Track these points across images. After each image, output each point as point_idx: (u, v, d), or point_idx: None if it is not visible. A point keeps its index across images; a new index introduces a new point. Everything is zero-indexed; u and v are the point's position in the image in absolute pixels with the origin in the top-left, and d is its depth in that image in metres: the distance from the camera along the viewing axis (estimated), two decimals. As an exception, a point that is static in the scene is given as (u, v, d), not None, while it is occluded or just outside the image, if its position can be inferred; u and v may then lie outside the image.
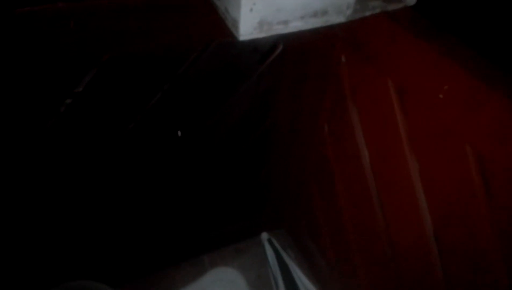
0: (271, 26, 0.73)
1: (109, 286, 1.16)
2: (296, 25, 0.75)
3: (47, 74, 0.84)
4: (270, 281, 1.49)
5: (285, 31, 0.75)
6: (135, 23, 0.82)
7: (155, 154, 1.13)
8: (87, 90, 0.91)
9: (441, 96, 0.75)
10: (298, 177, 1.43)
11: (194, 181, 1.28)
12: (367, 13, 0.83)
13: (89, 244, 1.24)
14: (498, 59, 0.71)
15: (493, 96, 0.67)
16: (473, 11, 0.82)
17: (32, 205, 1.06)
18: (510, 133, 0.65)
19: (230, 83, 1.08)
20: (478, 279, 0.80)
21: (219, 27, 0.78)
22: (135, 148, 1.08)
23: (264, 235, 1.58)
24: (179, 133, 1.09)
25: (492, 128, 0.68)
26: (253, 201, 1.52)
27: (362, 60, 0.99)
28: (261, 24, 0.71)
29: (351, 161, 1.13)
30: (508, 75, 0.69)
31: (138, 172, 1.15)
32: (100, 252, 1.28)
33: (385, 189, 1.04)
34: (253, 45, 1.03)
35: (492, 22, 0.80)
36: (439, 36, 0.79)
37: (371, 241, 1.14)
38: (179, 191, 1.28)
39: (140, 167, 1.14)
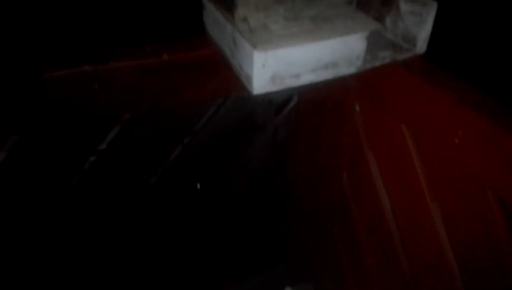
0: (283, 79, 0.75)
1: None
2: (308, 78, 0.78)
3: (72, 133, 0.89)
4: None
5: (297, 84, 0.77)
6: (155, 82, 0.87)
7: (176, 207, 1.14)
8: (110, 148, 0.94)
9: (456, 141, 0.74)
10: (320, 227, 1.41)
11: (213, 233, 1.27)
12: (378, 64, 0.86)
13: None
14: (509, 100, 0.71)
15: (508, 138, 0.66)
16: (482, 55, 0.84)
17: (56, 260, 1.07)
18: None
19: (247, 135, 1.11)
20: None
21: (235, 83, 0.81)
22: (156, 201, 1.10)
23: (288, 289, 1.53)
24: (198, 185, 1.11)
25: (509, 170, 0.66)
26: (275, 254, 1.49)
27: (376, 108, 1.01)
28: (274, 78, 0.74)
29: (372, 209, 1.11)
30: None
31: (159, 225, 1.16)
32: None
33: (408, 237, 1.01)
34: (268, 98, 1.07)
35: (500, 64, 0.81)
36: (450, 81, 0.81)
37: (399, 294, 1.10)
38: (199, 245, 1.28)
39: (161, 220, 1.15)
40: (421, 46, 0.88)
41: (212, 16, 0.84)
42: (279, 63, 0.73)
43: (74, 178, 0.95)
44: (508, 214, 0.71)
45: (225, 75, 0.87)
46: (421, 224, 0.93)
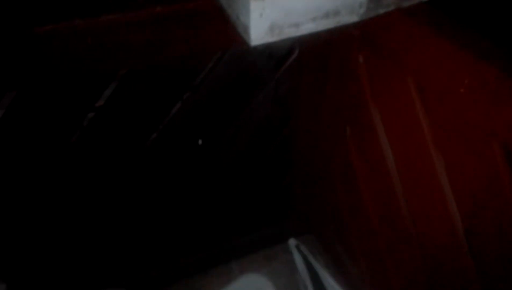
0: (282, 29, 0.72)
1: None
2: (307, 28, 0.74)
3: (70, 90, 0.87)
4: (299, 288, 1.47)
5: (297, 34, 0.74)
6: (149, 36, 0.84)
7: (178, 163, 1.15)
8: (108, 104, 0.93)
9: (462, 90, 0.72)
10: (323, 181, 1.41)
11: (218, 188, 1.29)
12: (381, 11, 0.81)
13: (116, 253, 1.26)
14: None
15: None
16: (491, 1, 0.79)
17: (56, 217, 1.09)
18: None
19: (248, 90, 1.09)
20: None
21: (233, 35, 0.78)
22: (158, 157, 1.10)
23: (292, 241, 1.56)
24: (200, 141, 1.10)
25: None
26: (279, 207, 1.51)
27: (380, 60, 0.97)
28: (272, 28, 0.71)
29: (375, 162, 1.10)
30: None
31: (163, 181, 1.17)
32: (127, 260, 1.30)
33: (411, 188, 1.01)
34: (268, 51, 1.04)
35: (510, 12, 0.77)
36: (457, 29, 0.77)
37: (401, 244, 1.11)
38: (204, 199, 1.29)
39: (164, 176, 1.16)
40: (428, -9, 0.83)
41: (207, -37, 0.80)
42: (277, 12, 0.69)
43: (74, 135, 0.94)
44: (512, 162, 0.70)
45: (223, 27, 0.84)
46: (424, 175, 0.93)
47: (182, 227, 1.33)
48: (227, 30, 0.81)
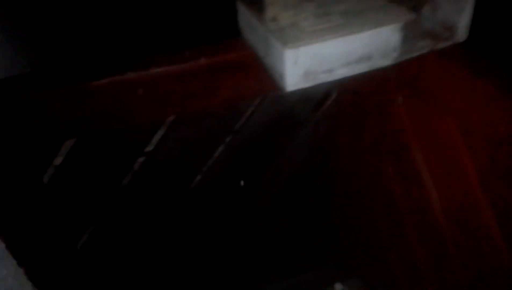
0: (316, 75, 0.76)
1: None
2: (341, 72, 0.77)
3: (122, 137, 0.95)
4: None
5: (331, 79, 0.77)
6: (195, 85, 0.91)
7: (220, 204, 1.18)
8: (157, 149, 1.00)
9: (502, 129, 0.71)
10: (368, 223, 1.39)
11: (260, 230, 1.30)
12: (415, 54, 0.83)
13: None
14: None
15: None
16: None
17: (109, 259, 1.14)
18: None
19: (288, 132, 1.12)
20: None
21: (271, 82, 0.83)
22: (202, 198, 1.14)
23: (338, 286, 1.52)
24: (242, 183, 1.14)
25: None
26: (324, 249, 1.49)
27: (419, 100, 0.98)
28: (307, 74, 0.75)
29: (420, 204, 1.08)
30: None
31: (206, 223, 1.21)
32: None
33: (460, 232, 0.97)
34: (306, 94, 1.07)
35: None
36: (493, 68, 0.77)
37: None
38: (245, 241, 1.31)
39: (207, 218, 1.20)
40: (462, 33, 0.84)
41: (246, 18, 0.87)
42: (311, 59, 0.73)
43: (125, 178, 1.01)
44: None
45: (262, 75, 0.89)
46: (472, 221, 0.90)
47: (224, 270, 1.35)
48: (266, 78, 0.85)
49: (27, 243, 0.96)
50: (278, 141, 1.13)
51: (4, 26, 0.90)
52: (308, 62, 0.73)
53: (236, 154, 1.10)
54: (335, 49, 0.74)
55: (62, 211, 1.01)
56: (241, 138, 1.07)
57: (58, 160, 0.95)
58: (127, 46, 0.94)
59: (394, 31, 0.76)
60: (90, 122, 0.88)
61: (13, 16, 0.89)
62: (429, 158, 1.01)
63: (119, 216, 1.08)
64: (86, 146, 0.95)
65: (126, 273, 1.20)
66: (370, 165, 1.24)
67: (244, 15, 0.87)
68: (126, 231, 1.11)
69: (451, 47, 0.85)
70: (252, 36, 0.87)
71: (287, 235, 1.37)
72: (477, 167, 0.85)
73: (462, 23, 0.84)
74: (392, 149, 1.14)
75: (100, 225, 1.08)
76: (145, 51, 0.86)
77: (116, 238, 1.12)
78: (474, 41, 0.84)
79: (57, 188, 0.99)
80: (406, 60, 0.84)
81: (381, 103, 1.09)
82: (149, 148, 0.98)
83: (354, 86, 1.07)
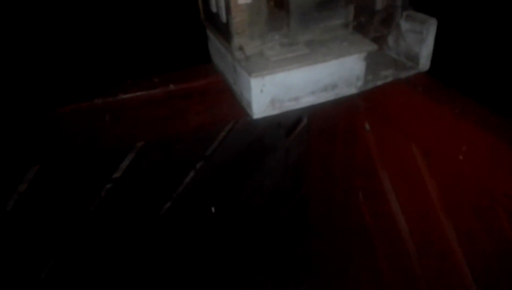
0: (282, 103, 0.77)
1: None
2: (307, 100, 0.79)
3: (89, 163, 0.93)
4: None
5: (297, 107, 0.78)
6: (164, 111, 0.91)
7: (191, 231, 1.17)
8: (125, 175, 0.98)
9: (461, 157, 0.73)
10: (340, 247, 1.39)
11: (233, 254, 1.28)
12: (379, 83, 0.86)
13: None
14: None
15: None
16: (485, 70, 0.82)
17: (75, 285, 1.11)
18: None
19: (259, 157, 1.13)
20: None
21: (240, 107, 0.84)
22: (171, 225, 1.12)
23: (312, 312, 1.51)
24: (213, 209, 1.13)
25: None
26: (297, 273, 1.48)
27: (385, 127, 1.00)
28: (273, 102, 0.76)
29: (389, 229, 1.09)
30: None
31: (177, 248, 1.18)
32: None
33: (424, 253, 0.98)
34: (277, 120, 1.08)
35: (503, 78, 0.79)
36: (453, 97, 0.80)
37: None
38: (218, 266, 1.29)
39: (178, 243, 1.18)
40: (424, 63, 0.88)
41: (215, 45, 0.88)
42: (276, 88, 0.74)
43: (92, 205, 0.99)
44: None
45: (232, 101, 0.90)
46: (436, 240, 0.91)
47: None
48: (237, 103, 0.86)
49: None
50: (250, 167, 1.13)
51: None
52: (274, 90, 0.74)
53: (207, 180, 1.09)
54: (301, 78, 0.75)
55: (26, 239, 0.98)
56: (212, 164, 1.07)
57: (22, 187, 0.92)
58: (97, 73, 0.93)
59: (358, 61, 0.79)
60: (55, 149, 0.86)
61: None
62: (396, 183, 1.03)
63: (84, 243, 1.05)
64: (52, 172, 0.93)
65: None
66: (342, 189, 1.25)
67: (214, 42, 0.88)
68: (92, 259, 1.08)
69: (415, 76, 0.88)
70: (221, 63, 0.88)
71: (260, 260, 1.36)
72: (439, 191, 0.87)
73: (424, 53, 0.87)
74: (362, 174, 1.15)
75: (65, 253, 1.04)
76: (115, 77, 0.85)
77: (82, 267, 1.08)
78: (437, 70, 0.87)
79: (20, 216, 0.96)
80: (373, 89, 0.87)
81: (350, 129, 1.11)
82: (117, 174, 0.97)
83: (324, 112, 1.09)
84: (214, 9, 0.77)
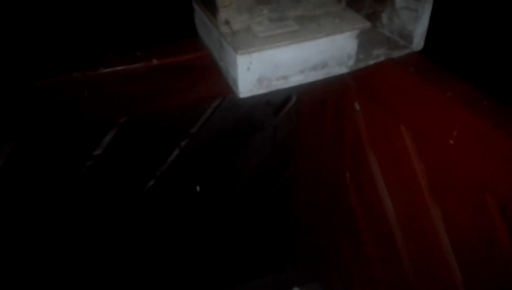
0: (270, 82, 0.74)
1: None
2: (297, 79, 0.76)
3: (68, 139, 0.90)
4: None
5: (286, 86, 0.75)
6: (147, 86, 0.87)
7: (176, 210, 1.15)
8: (107, 152, 0.95)
9: (451, 141, 0.71)
10: (326, 226, 1.39)
11: (218, 235, 1.27)
12: (371, 62, 0.83)
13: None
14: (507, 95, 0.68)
15: (504, 138, 0.63)
16: (479, 50, 0.80)
17: (56, 263, 1.09)
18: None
19: (246, 136, 1.10)
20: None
21: (227, 85, 0.80)
22: (155, 204, 1.10)
23: (296, 290, 1.52)
24: (198, 188, 1.11)
25: (506, 173, 0.63)
26: (283, 254, 1.48)
27: (375, 107, 0.98)
28: (260, 81, 0.73)
29: (374, 209, 1.08)
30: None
31: (161, 228, 1.17)
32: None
33: (410, 236, 0.98)
34: (266, 99, 1.05)
35: (498, 59, 0.77)
36: (446, 78, 0.77)
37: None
38: (204, 246, 1.28)
39: (163, 223, 1.16)
40: (418, 42, 0.85)
41: (201, 19, 0.83)
42: (264, 66, 0.71)
43: (73, 182, 0.96)
44: (507, 216, 0.68)
45: (219, 78, 0.86)
46: (422, 225, 0.91)
47: (181, 275, 1.32)
48: (223, 80, 0.83)
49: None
50: (237, 146, 1.11)
51: None
52: (261, 68, 0.71)
53: (192, 159, 1.07)
54: (290, 55, 0.72)
55: (3, 217, 0.95)
56: (197, 142, 1.04)
57: (-2, 162, 0.89)
58: (77, 46, 0.89)
59: (350, 39, 0.75)
60: (32, 124, 0.82)
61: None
62: (384, 164, 1.01)
63: (65, 221, 1.02)
64: (29, 148, 0.89)
65: (70, 280, 1.14)
66: (329, 169, 1.23)
67: (199, 15, 0.84)
68: (72, 237, 1.06)
69: (408, 55, 0.85)
70: (207, 38, 0.84)
71: (246, 239, 1.35)
72: (427, 175, 0.86)
73: (419, 31, 0.84)
74: (350, 154, 1.14)
75: (45, 231, 1.02)
76: (96, 51, 0.81)
77: (62, 245, 1.06)
78: (431, 50, 0.84)
79: (-3, 192, 0.93)
80: (364, 68, 0.84)
81: (340, 109, 1.08)
82: (98, 151, 0.94)
83: (313, 91, 1.06)
84: (199, -21, 0.72)
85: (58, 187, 0.96)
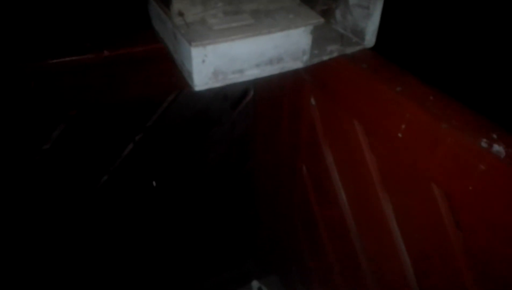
0: (226, 75, 0.73)
1: None
2: (252, 73, 0.76)
3: (13, 133, 0.85)
4: (262, 331, 1.43)
5: (242, 80, 0.75)
6: (98, 79, 0.84)
7: (131, 206, 1.12)
8: (56, 146, 0.91)
9: (400, 135, 0.74)
10: (285, 220, 1.40)
11: (176, 230, 1.26)
12: (325, 58, 0.84)
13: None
14: (456, 92, 0.71)
15: (448, 133, 0.66)
16: (429, 47, 0.83)
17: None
18: (467, 168, 0.64)
19: (203, 130, 1.09)
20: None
21: (183, 78, 0.79)
22: (109, 200, 1.07)
23: (255, 283, 1.53)
24: (154, 183, 1.09)
25: (450, 165, 0.66)
26: (242, 248, 1.49)
27: (329, 102, 1.00)
28: (216, 74, 0.72)
29: (330, 202, 1.11)
30: (468, 108, 0.69)
31: (116, 224, 1.14)
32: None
33: (364, 229, 1.01)
34: (223, 92, 1.05)
35: (449, 56, 0.81)
36: (396, 74, 0.80)
37: (359, 284, 1.10)
38: (161, 242, 1.26)
39: (118, 219, 1.13)
40: (370, 39, 0.87)
41: (155, 10, 0.82)
42: (219, 59, 0.71)
43: (20, 177, 0.92)
44: (453, 206, 0.71)
45: (174, 71, 0.85)
46: (375, 216, 0.94)
47: (139, 271, 1.29)
48: (179, 73, 0.81)
49: None
50: (194, 140, 1.10)
51: None
52: (216, 61, 0.71)
53: (147, 153, 1.04)
54: (245, 49, 0.72)
55: None
56: (152, 136, 1.02)
57: None
58: (24, 36, 0.84)
59: (305, 34, 0.76)
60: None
61: None
62: (338, 158, 1.04)
63: (13, 218, 0.97)
64: (-29, 143, 0.85)
65: (20, 279, 1.10)
66: (286, 163, 1.25)
67: (154, 7, 0.82)
68: (20, 234, 1.01)
69: (360, 52, 0.88)
70: (162, 30, 0.82)
71: (205, 234, 1.34)
72: (379, 168, 0.88)
73: (370, 28, 0.86)
74: (306, 148, 1.15)
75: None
76: (44, 42, 0.77)
77: (9, 243, 1.01)
78: (383, 47, 0.86)
79: None
80: (318, 63, 0.85)
81: (296, 103, 1.10)
82: (47, 145, 0.90)
83: (270, 85, 1.07)
84: (152, -31, 0.71)
85: (5, 180, 0.91)
